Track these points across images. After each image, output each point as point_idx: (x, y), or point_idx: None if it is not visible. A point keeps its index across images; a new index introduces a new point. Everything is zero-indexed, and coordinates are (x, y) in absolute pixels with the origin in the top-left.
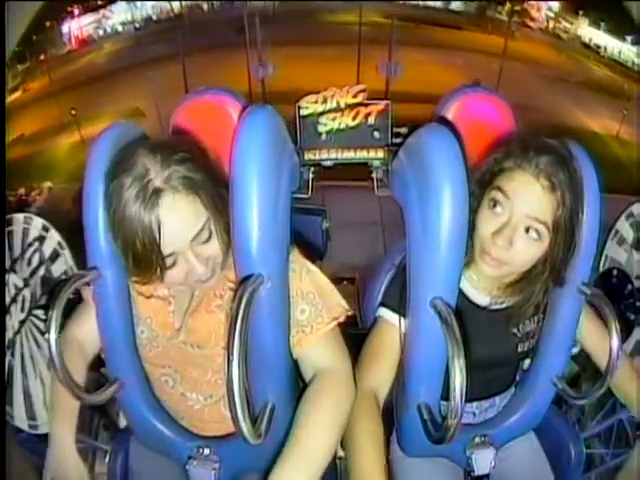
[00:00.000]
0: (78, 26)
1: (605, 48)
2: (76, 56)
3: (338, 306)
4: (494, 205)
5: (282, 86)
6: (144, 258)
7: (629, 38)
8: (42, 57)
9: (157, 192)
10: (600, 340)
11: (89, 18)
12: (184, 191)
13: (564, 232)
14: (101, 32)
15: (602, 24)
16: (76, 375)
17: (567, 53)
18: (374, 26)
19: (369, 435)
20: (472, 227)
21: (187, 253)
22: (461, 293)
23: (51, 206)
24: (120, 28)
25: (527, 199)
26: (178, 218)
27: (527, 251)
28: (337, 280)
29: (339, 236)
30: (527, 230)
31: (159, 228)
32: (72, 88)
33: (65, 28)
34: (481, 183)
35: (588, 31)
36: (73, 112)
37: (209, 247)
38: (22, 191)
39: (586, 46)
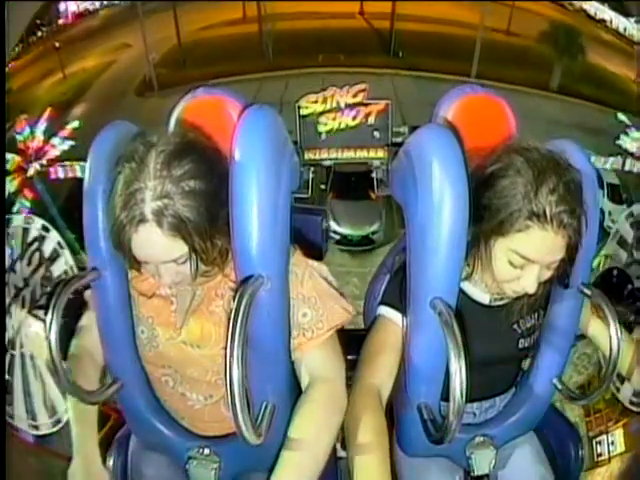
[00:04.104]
0: (75, 2)
1: (611, 21)
2: (71, 27)
3: (341, 312)
4: (514, 265)
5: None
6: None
7: (632, 19)
8: (39, 34)
9: (141, 220)
10: (605, 330)
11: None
12: (168, 230)
13: (574, 247)
14: (97, 4)
15: (606, 4)
16: (89, 385)
17: (574, 17)
18: None
19: (374, 433)
20: (477, 241)
21: (158, 265)
22: (461, 291)
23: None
24: (116, 1)
25: (550, 251)
26: (150, 249)
27: (547, 276)
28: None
29: None
30: (549, 267)
31: (131, 242)
32: (64, 44)
33: (62, 6)
34: (487, 225)
35: (593, 6)
36: (57, 44)
37: (182, 267)
38: None
39: (591, 19)
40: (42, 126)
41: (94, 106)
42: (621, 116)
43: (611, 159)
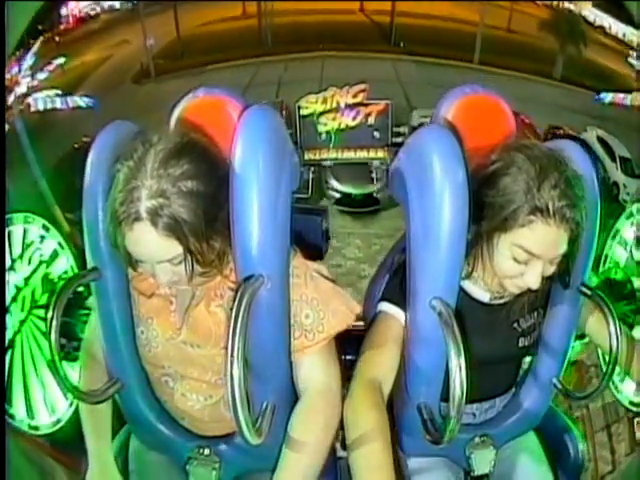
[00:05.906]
0: (76, 6)
1: (610, 27)
2: (72, 31)
3: (345, 313)
4: (518, 260)
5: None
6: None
7: (631, 27)
8: (41, 39)
9: (136, 218)
10: (604, 330)
11: (87, 1)
12: (162, 230)
13: (575, 240)
14: (98, 9)
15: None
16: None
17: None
18: None
19: (376, 424)
20: (479, 239)
21: (153, 264)
22: (461, 290)
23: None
24: (117, 5)
25: (553, 245)
26: (144, 248)
27: (550, 271)
28: None
29: None
30: (551, 262)
31: (125, 240)
32: (64, 41)
33: (64, 11)
34: (492, 221)
35: (592, 12)
36: (57, 39)
37: (178, 267)
38: None
39: (590, 25)
40: (30, 60)
41: (91, 93)
42: (632, 60)
43: (630, 96)
